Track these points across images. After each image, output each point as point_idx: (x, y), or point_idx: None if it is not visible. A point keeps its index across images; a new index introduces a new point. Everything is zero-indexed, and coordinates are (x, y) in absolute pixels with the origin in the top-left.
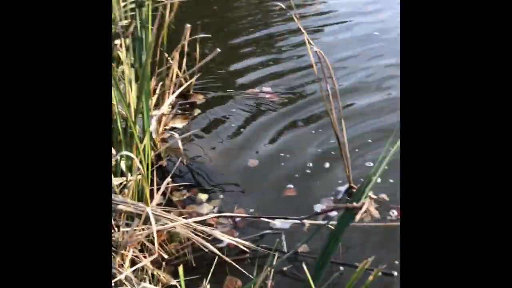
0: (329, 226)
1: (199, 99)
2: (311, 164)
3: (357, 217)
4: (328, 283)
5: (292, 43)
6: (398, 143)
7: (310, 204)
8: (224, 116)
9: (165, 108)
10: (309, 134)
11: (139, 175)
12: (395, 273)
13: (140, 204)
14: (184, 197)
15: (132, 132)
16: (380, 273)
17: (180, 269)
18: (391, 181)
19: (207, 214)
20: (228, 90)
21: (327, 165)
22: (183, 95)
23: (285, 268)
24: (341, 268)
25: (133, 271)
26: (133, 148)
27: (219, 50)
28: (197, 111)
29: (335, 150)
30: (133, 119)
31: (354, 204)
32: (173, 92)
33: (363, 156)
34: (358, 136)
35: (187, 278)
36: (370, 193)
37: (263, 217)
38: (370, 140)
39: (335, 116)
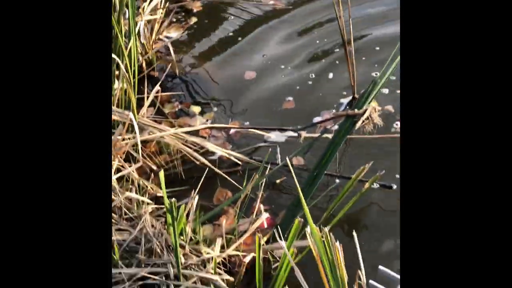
0: (327, 136)
1: (196, 6)
2: (313, 75)
3: (358, 124)
4: (322, 195)
5: None
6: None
7: (309, 117)
8: (222, 25)
9: (152, 8)
10: (314, 43)
11: (125, 82)
12: (395, 186)
13: (126, 112)
14: (176, 109)
15: (117, 34)
16: (378, 185)
17: (161, 173)
18: (398, 92)
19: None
20: None
21: (330, 75)
22: (179, 1)
23: (278, 181)
24: (337, 181)
25: (118, 180)
26: (118, 52)
27: None
28: (193, 20)
29: (341, 60)
30: (117, 18)
31: (356, 110)
32: None
33: (369, 65)
34: (365, 42)
35: (176, 189)
36: (375, 104)
37: (256, 128)
38: (377, 48)
39: (343, 19)
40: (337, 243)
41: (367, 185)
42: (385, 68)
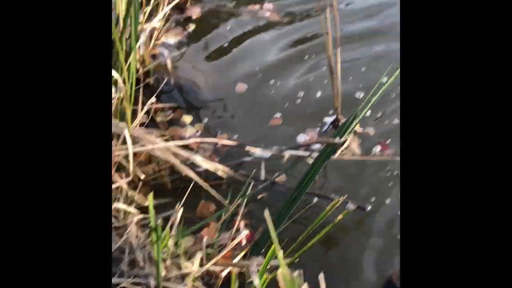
0: (310, 157)
1: (196, 13)
2: (302, 93)
3: (337, 154)
4: (300, 213)
5: None
6: (396, 73)
7: (295, 134)
8: (220, 34)
9: (156, 21)
10: (304, 61)
11: (121, 94)
12: (368, 208)
13: (120, 123)
14: (168, 118)
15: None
16: (353, 206)
17: (150, 196)
18: (379, 114)
19: (189, 137)
20: (227, 5)
21: (318, 94)
22: (179, 7)
23: (259, 196)
24: (315, 199)
25: None
26: (117, 65)
27: None
28: (192, 27)
29: (329, 78)
30: (119, 35)
31: (336, 140)
32: (168, 3)
33: (355, 85)
34: (353, 62)
35: (161, 200)
36: (356, 127)
37: (243, 145)
38: (363, 69)
39: (331, 42)
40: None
41: (340, 217)
42: (368, 97)
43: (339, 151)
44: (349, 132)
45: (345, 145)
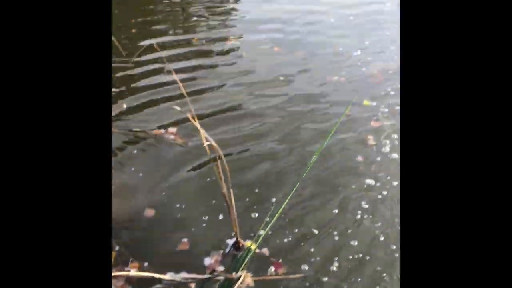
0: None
1: None
2: (206, 217)
3: (235, 285)
4: None
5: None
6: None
7: (201, 257)
8: (126, 157)
9: None
10: (205, 184)
11: None
12: None
13: None
14: None
15: None
16: None
17: None
18: (270, 232)
19: None
20: (133, 129)
21: (220, 217)
22: None
23: None
24: None
25: None
26: None
27: (125, 106)
28: None
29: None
30: None
31: (232, 274)
32: None
33: (251, 207)
34: (246, 185)
35: None
36: (253, 246)
37: (154, 275)
38: (257, 190)
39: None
40: None
41: None
42: (262, 227)
43: (236, 285)
44: (243, 268)
45: (239, 281)
